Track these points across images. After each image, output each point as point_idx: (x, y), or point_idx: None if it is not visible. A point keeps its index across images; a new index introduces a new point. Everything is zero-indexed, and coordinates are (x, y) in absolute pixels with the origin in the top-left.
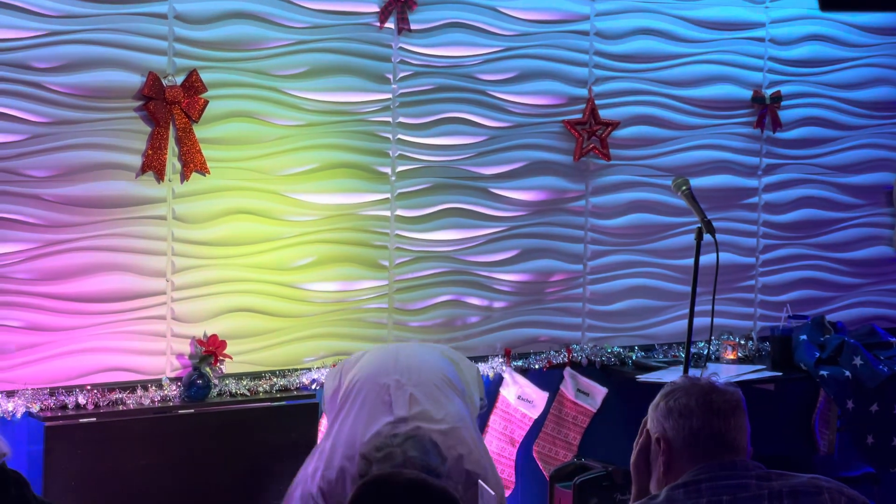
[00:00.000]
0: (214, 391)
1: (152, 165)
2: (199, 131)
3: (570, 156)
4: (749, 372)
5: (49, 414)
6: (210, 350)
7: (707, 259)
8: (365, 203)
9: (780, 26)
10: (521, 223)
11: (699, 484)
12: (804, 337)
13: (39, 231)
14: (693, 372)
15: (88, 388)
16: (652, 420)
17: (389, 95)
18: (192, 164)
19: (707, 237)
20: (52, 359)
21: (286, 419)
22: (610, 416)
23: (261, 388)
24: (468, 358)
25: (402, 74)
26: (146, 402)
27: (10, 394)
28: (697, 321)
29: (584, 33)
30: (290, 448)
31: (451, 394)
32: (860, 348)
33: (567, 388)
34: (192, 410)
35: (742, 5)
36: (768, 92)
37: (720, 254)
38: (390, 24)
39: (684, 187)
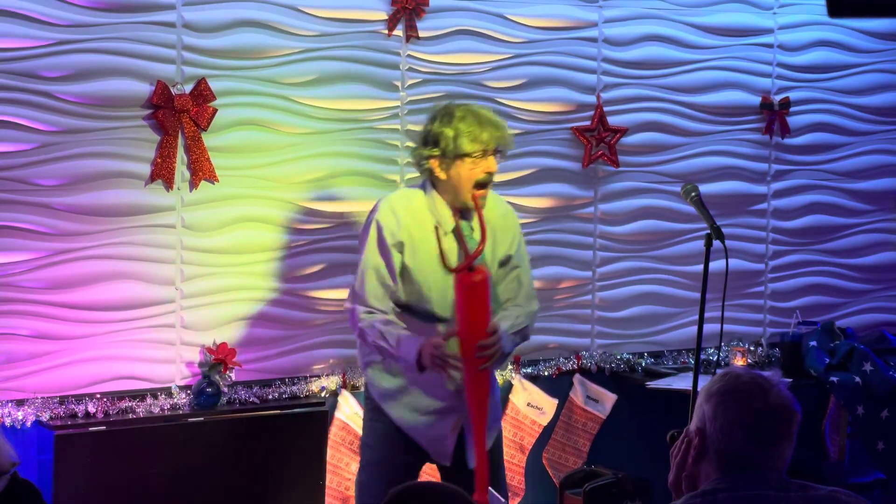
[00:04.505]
0: (224, 399)
1: (161, 174)
2: (208, 139)
3: (579, 162)
4: None
5: (59, 423)
6: (219, 358)
7: (716, 265)
8: None
9: (789, 32)
10: (530, 230)
11: (717, 493)
12: (814, 343)
13: (49, 240)
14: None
15: (98, 396)
16: (699, 409)
17: (398, 103)
18: (201, 172)
19: (716, 243)
20: (61, 367)
21: (296, 427)
22: (620, 423)
23: (270, 396)
24: None
25: (410, 82)
26: (156, 410)
27: (20, 403)
28: (707, 328)
29: (593, 40)
30: (300, 456)
31: None
32: (870, 354)
33: (577, 395)
34: (202, 418)
35: (750, 11)
36: (777, 98)
37: (729, 260)
38: (399, 32)
39: (693, 193)
